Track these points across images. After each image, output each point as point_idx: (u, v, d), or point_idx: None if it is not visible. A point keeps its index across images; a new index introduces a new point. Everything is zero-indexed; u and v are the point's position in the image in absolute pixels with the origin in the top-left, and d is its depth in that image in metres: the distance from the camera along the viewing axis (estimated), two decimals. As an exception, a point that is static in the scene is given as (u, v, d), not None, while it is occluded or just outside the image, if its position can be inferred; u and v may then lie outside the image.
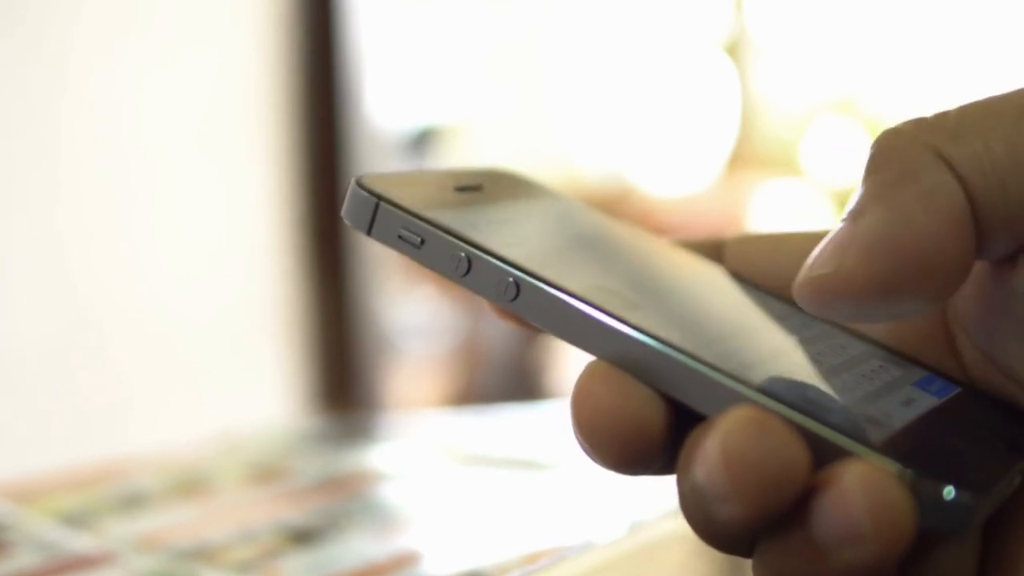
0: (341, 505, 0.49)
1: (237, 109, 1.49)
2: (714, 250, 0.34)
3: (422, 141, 2.45)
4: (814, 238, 0.33)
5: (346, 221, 0.30)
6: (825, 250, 0.27)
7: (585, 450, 0.27)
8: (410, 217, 0.29)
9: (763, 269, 0.34)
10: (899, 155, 0.27)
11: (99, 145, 1.35)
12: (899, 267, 0.26)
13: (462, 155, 2.47)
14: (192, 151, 1.44)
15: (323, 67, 1.55)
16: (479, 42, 2.60)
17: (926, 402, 0.28)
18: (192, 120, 1.44)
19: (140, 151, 1.39)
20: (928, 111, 0.28)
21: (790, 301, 0.32)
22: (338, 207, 0.31)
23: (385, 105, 1.74)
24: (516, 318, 0.31)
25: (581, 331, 0.28)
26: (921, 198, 0.26)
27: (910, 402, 0.28)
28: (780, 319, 0.32)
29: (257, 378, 1.52)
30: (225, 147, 1.48)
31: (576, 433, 0.27)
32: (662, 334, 0.27)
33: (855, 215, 0.26)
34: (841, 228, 0.27)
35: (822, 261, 0.27)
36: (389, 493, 0.52)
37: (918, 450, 0.26)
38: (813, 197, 2.74)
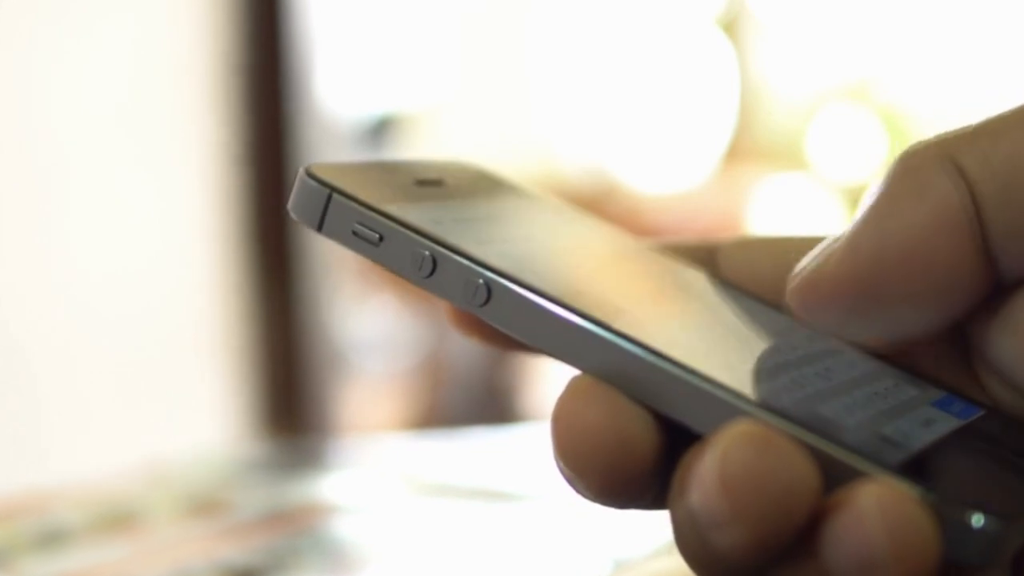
0: (288, 542, 0.49)
1: (167, 90, 1.48)
2: (707, 255, 0.35)
3: (381, 130, 2.45)
4: (820, 243, 0.33)
5: (293, 215, 0.30)
6: (814, 251, 0.29)
7: (567, 477, 0.27)
8: (367, 211, 0.29)
9: (762, 278, 0.34)
10: (910, 160, 0.28)
11: (6, 133, 1.34)
12: (884, 261, 0.27)
13: (426, 146, 2.47)
14: (115, 140, 1.43)
15: (268, 45, 1.55)
16: (445, 20, 2.60)
17: (947, 423, 0.29)
18: (114, 104, 1.43)
19: (54, 140, 1.38)
20: (943, 100, 0.29)
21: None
22: (284, 204, 0.31)
23: (338, 89, 1.74)
24: (483, 332, 0.31)
25: (562, 340, 0.28)
26: (914, 193, 0.27)
27: (929, 423, 0.28)
28: (782, 332, 0.32)
29: (193, 399, 1.52)
30: (154, 135, 1.47)
31: (557, 457, 0.27)
32: (653, 344, 0.27)
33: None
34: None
35: (809, 259, 0.29)
36: (343, 528, 0.52)
37: (941, 473, 0.26)
38: (821, 194, 2.75)
